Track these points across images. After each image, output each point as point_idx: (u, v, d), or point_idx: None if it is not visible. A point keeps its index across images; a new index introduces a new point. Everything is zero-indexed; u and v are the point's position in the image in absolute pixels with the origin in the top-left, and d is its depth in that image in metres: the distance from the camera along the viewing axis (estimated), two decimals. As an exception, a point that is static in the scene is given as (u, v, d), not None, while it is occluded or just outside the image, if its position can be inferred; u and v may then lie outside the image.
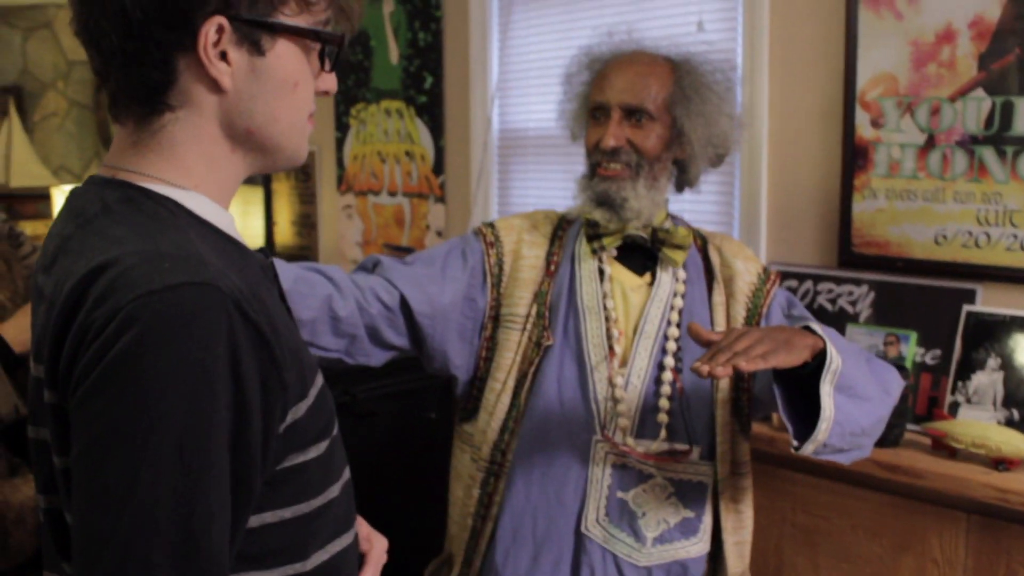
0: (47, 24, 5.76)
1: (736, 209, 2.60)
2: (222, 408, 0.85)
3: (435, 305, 1.71)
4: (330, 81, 1.08)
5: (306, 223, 4.21)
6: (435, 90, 3.49)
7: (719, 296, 1.78)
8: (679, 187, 1.87)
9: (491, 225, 1.84)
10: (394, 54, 3.65)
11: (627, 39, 1.84)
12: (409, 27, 3.56)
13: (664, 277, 1.77)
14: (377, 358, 1.72)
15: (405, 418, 2.18)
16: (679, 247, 1.76)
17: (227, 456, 0.87)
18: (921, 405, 2.25)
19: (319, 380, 1.03)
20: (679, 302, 1.75)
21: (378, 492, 1.67)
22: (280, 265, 1.53)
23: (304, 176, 4.17)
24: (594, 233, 1.76)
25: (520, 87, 3.19)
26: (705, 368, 1.36)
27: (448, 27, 3.42)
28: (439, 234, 3.55)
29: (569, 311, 1.75)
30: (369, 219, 3.86)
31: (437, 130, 3.51)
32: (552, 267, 1.78)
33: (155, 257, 0.87)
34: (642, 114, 1.72)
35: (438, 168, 3.53)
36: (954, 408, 2.16)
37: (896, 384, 1.68)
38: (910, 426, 2.20)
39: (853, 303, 2.38)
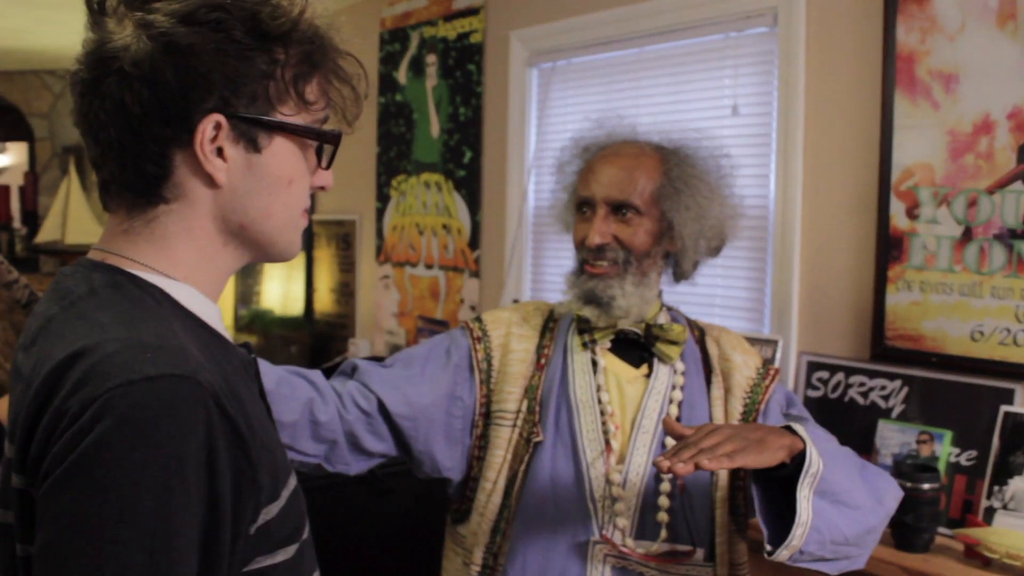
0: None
1: (767, 297, 2.54)
2: (194, 505, 0.83)
3: (415, 406, 1.65)
4: (326, 177, 1.08)
5: (345, 291, 4.22)
6: (473, 164, 3.50)
7: (717, 390, 1.71)
8: (676, 279, 1.80)
9: (478, 319, 1.78)
10: (435, 128, 3.67)
11: (618, 126, 1.78)
12: (451, 101, 3.59)
13: (662, 369, 1.70)
14: (356, 467, 1.66)
15: (423, 494, 2.12)
16: (674, 343, 1.70)
17: (196, 555, 0.84)
18: (955, 508, 2.14)
19: (292, 482, 1.01)
20: (678, 395, 1.68)
21: (393, 567, 1.62)
22: (264, 365, 1.52)
23: (345, 244, 4.20)
24: (586, 327, 1.71)
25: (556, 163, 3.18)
26: (665, 464, 1.30)
27: (488, 103, 3.44)
28: (472, 308, 3.53)
29: (561, 405, 1.68)
30: (406, 291, 3.85)
31: (474, 204, 3.51)
32: (543, 360, 1.72)
33: (136, 346, 0.86)
34: (628, 209, 1.65)
35: (474, 242, 3.52)
36: (989, 514, 2.06)
37: (892, 494, 1.59)
38: (942, 530, 2.09)
39: (885, 398, 2.29)
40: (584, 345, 1.71)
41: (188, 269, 1.00)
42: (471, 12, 3.48)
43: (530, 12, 3.23)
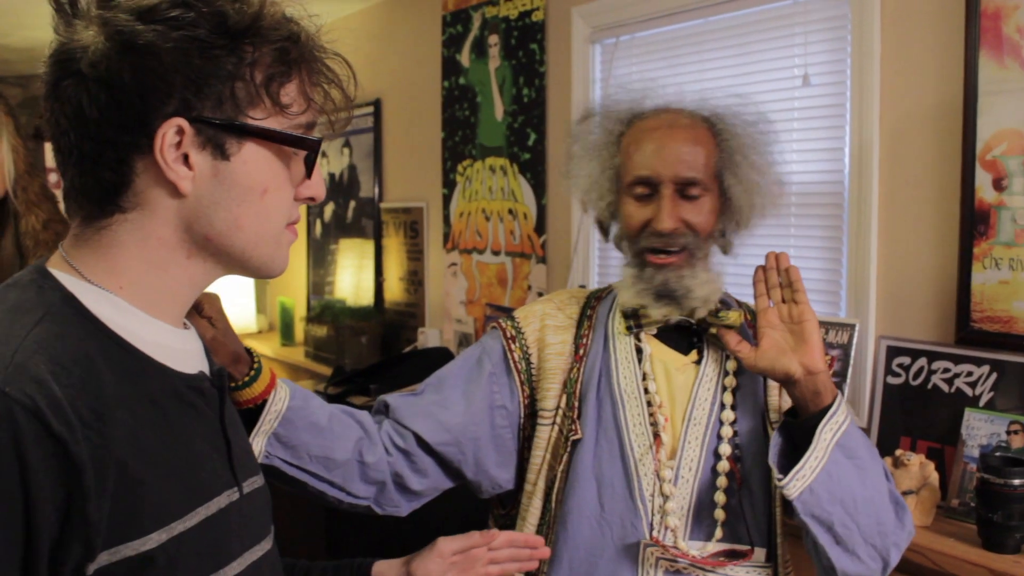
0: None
1: (844, 278, 2.38)
2: None
3: (453, 430, 1.57)
4: (314, 187, 1.00)
5: (414, 280, 4.17)
6: (538, 147, 3.40)
7: None
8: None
9: (510, 318, 1.68)
10: (499, 110, 3.58)
11: (650, 92, 1.65)
12: (514, 82, 3.49)
13: (712, 354, 1.58)
14: (406, 507, 1.59)
15: (462, 500, 2.04)
16: (729, 327, 1.56)
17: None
18: (1051, 506, 1.96)
19: (185, 524, 0.91)
20: (732, 381, 1.56)
21: None
22: (315, 400, 1.48)
23: (413, 232, 4.14)
24: (633, 312, 1.59)
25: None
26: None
27: (551, 82, 3.33)
28: (540, 294, 3.43)
29: (604, 398, 1.57)
30: (473, 278, 3.78)
31: (540, 188, 3.41)
32: (581, 351, 1.60)
33: None
34: (696, 187, 1.53)
35: (540, 227, 3.42)
36: (1089, 511, 1.88)
37: (898, 527, 1.50)
38: (1036, 530, 1.92)
39: (972, 384, 2.12)
40: (628, 329, 1.59)
41: (126, 280, 0.93)
42: (533, -10, 3.38)
43: (592, -13, 3.11)
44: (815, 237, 2.45)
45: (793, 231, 2.50)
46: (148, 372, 0.93)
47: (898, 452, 2.05)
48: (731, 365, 1.57)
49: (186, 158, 0.90)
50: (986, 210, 2.09)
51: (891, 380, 2.26)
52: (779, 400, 1.56)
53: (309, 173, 0.99)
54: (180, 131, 0.89)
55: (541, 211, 3.41)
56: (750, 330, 1.61)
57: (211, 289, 1.10)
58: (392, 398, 1.62)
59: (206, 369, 1.03)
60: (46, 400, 0.80)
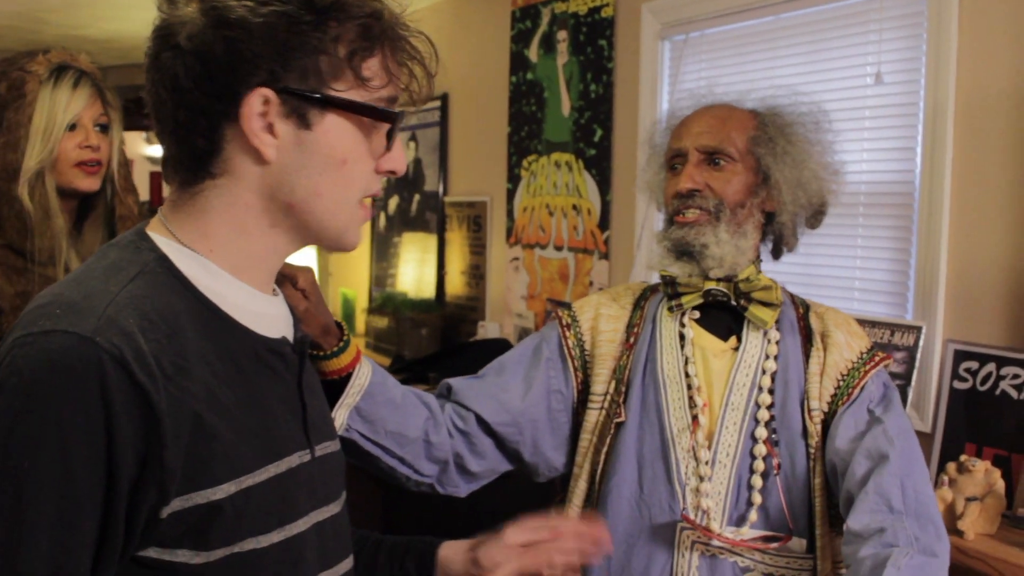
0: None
1: (911, 280, 2.34)
2: (75, 464, 0.83)
3: (513, 411, 1.61)
4: (395, 160, 1.05)
5: (475, 274, 4.19)
6: (604, 143, 3.40)
7: (816, 364, 1.58)
8: (776, 253, 1.69)
9: (568, 307, 1.74)
10: (566, 106, 3.58)
11: (710, 94, 1.72)
12: (581, 78, 3.49)
13: (752, 339, 1.59)
14: (465, 488, 1.63)
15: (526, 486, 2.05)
16: (768, 304, 1.58)
17: (59, 528, 0.84)
18: (1122, 517, 1.91)
19: (255, 479, 0.96)
20: (771, 365, 1.56)
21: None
22: (388, 376, 1.52)
23: (476, 226, 4.17)
24: (673, 292, 1.62)
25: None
26: None
27: (619, 79, 3.33)
28: (601, 291, 3.42)
29: (648, 382, 1.60)
30: (535, 273, 3.79)
31: (604, 184, 3.41)
32: (632, 339, 1.64)
33: (58, 301, 0.89)
34: (721, 156, 1.58)
35: (603, 223, 3.42)
36: None
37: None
38: (1107, 541, 1.87)
39: (1043, 392, 2.07)
40: (670, 310, 1.61)
41: (216, 243, 0.99)
42: (603, -14, 3.38)
43: (663, -17, 3.10)
44: (883, 238, 2.41)
45: (861, 231, 2.46)
46: (231, 332, 0.98)
47: (963, 458, 2.00)
48: (771, 349, 1.58)
49: (271, 127, 0.95)
50: (1063, 213, 2.04)
51: (957, 385, 2.22)
52: (819, 387, 1.55)
53: (390, 146, 1.03)
54: (266, 101, 0.94)
55: (605, 207, 3.41)
56: (799, 322, 1.61)
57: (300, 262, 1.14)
58: (455, 381, 1.66)
59: (290, 335, 1.08)
60: (132, 351, 0.86)
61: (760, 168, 1.59)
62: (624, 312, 1.68)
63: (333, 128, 0.98)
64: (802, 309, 1.66)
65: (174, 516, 0.89)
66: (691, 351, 1.59)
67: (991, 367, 2.16)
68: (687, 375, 1.58)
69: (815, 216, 1.65)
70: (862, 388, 1.55)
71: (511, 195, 3.92)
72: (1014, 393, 2.11)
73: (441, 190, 4.45)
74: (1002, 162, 2.16)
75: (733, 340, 1.61)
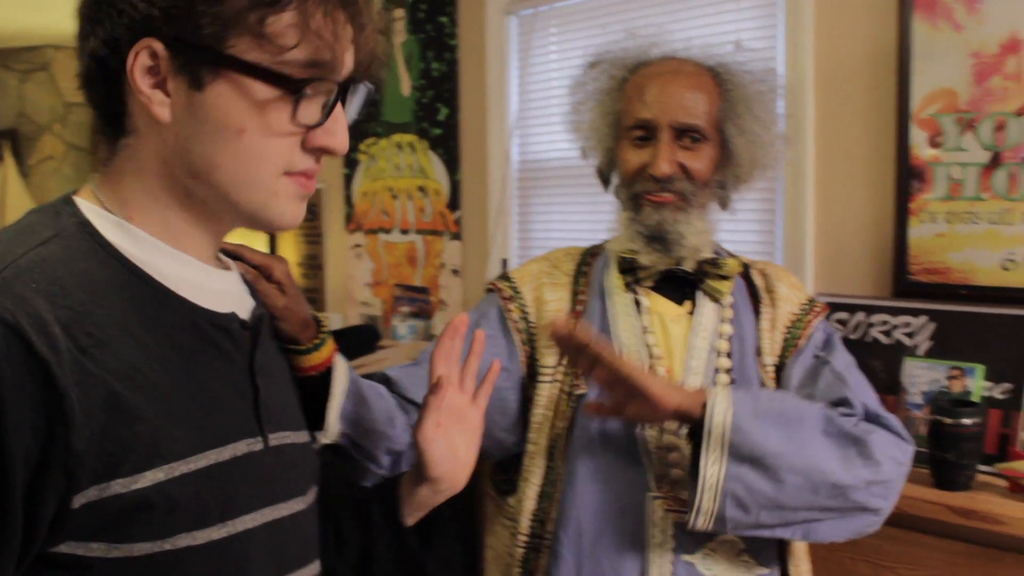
0: (44, 66, 5.64)
1: (779, 237, 2.44)
2: None
3: None
4: (328, 136, 0.89)
5: (312, 264, 4.05)
6: (450, 122, 3.35)
7: (767, 321, 1.59)
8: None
9: (506, 277, 1.65)
10: (406, 86, 3.51)
11: (655, 42, 1.63)
12: (422, 57, 3.43)
13: (707, 304, 1.57)
14: None
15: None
16: (724, 278, 1.57)
17: None
18: (991, 444, 2.06)
19: (189, 466, 0.85)
20: (728, 329, 1.55)
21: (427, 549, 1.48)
22: (352, 372, 1.41)
23: (310, 215, 4.02)
24: (630, 267, 1.57)
25: (541, 116, 3.05)
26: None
27: (463, 56, 3.29)
28: (455, 272, 3.39)
29: None
30: (380, 258, 3.70)
31: (452, 164, 3.36)
32: (579, 307, 1.59)
33: None
34: (695, 134, 1.52)
35: (454, 203, 3.37)
36: (1030, 447, 1.99)
37: (865, 458, 1.42)
38: (981, 467, 2.02)
39: (910, 335, 2.21)
40: (627, 286, 1.58)
41: (136, 212, 0.89)
42: (440, -37, 3.33)
43: (506, -42, 3.09)
44: (749, 199, 2.50)
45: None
46: (164, 304, 0.88)
47: (848, 402, 2.11)
48: (726, 313, 1.57)
49: (164, 84, 0.85)
50: (921, 166, 2.18)
51: (830, 335, 2.33)
52: (770, 342, 1.58)
53: (324, 119, 0.88)
54: (154, 54, 0.84)
55: (455, 187, 3.36)
56: (742, 279, 1.62)
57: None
58: (392, 371, 1.55)
59: (242, 312, 0.97)
60: (28, 318, 0.76)
61: (725, 143, 1.55)
62: (567, 279, 1.62)
63: (227, 91, 0.84)
64: (741, 266, 1.64)
65: (89, 507, 0.78)
66: (648, 319, 1.56)
67: (860, 316, 2.28)
68: (647, 344, 1.54)
69: (755, 177, 1.64)
70: (808, 338, 1.57)
71: (348, 180, 3.81)
72: (884, 339, 2.24)
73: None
74: (861, 121, 2.29)
75: (688, 304, 1.58)
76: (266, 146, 0.87)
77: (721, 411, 1.37)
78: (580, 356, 1.35)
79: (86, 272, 0.82)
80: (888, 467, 1.43)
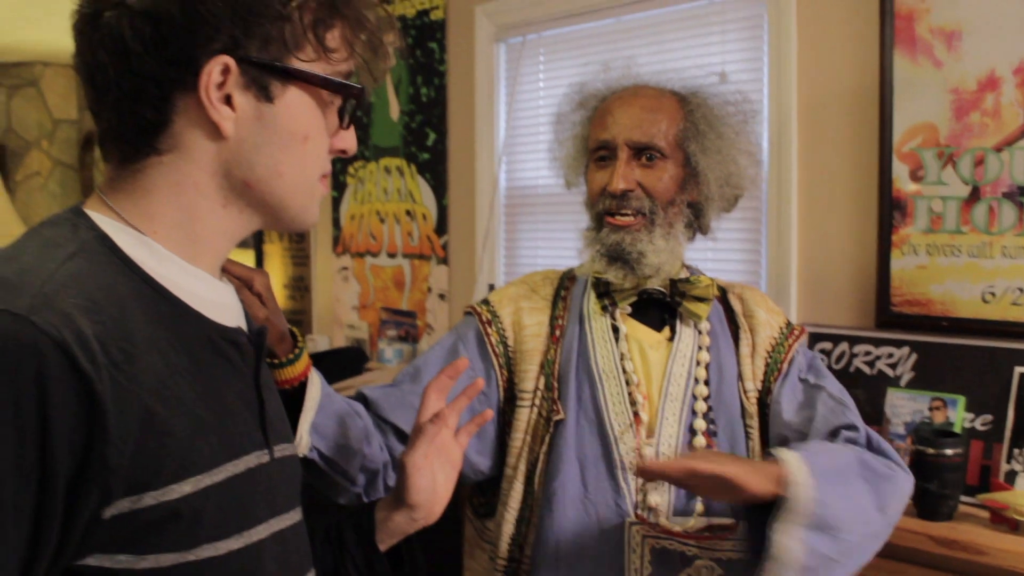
0: (33, 82, 5.64)
1: (763, 267, 2.47)
2: (1, 461, 0.73)
3: None
4: (348, 139, 0.99)
5: (299, 286, 4.06)
6: (438, 147, 3.38)
7: (746, 347, 1.61)
8: (692, 234, 1.68)
9: (485, 302, 1.67)
10: (395, 110, 3.53)
11: (626, 73, 1.68)
12: (411, 82, 3.46)
13: (685, 331, 1.59)
14: None
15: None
16: (701, 300, 1.59)
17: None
18: (972, 475, 2.09)
19: (212, 478, 0.87)
20: (705, 356, 1.58)
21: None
22: (327, 388, 1.43)
23: (298, 237, 4.03)
24: (605, 289, 1.60)
25: (529, 143, 3.08)
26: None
27: (452, 81, 3.32)
28: (442, 296, 3.40)
29: (582, 379, 1.57)
30: (367, 281, 3.71)
31: (440, 188, 3.38)
32: (557, 332, 1.60)
33: None
34: (652, 152, 1.55)
35: (441, 228, 3.39)
36: (1011, 477, 2.01)
37: (898, 498, 1.46)
38: (964, 498, 2.04)
39: (893, 366, 2.24)
40: (604, 309, 1.60)
41: (160, 225, 0.90)
42: (430, -11, 3.36)
43: (495, -14, 3.12)
44: (735, 229, 2.53)
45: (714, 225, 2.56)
46: (183, 318, 0.90)
47: (831, 431, 2.13)
48: (703, 340, 1.59)
49: (229, 99, 0.88)
50: (904, 199, 2.21)
51: (814, 364, 2.36)
52: (751, 367, 1.60)
53: (350, 123, 0.98)
54: (226, 70, 0.87)
55: (442, 212, 3.38)
56: (720, 304, 1.64)
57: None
58: (370, 391, 1.57)
59: (244, 326, 1.00)
60: (73, 335, 0.76)
61: (689, 162, 1.57)
62: (545, 304, 1.64)
63: (296, 102, 0.91)
64: (718, 291, 1.66)
65: (119, 519, 0.79)
66: (626, 346, 1.58)
67: (844, 346, 2.31)
68: (624, 370, 1.56)
69: (732, 201, 1.66)
70: (791, 362, 1.59)
71: (336, 203, 3.82)
72: (867, 369, 2.27)
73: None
74: (844, 155, 2.32)
75: (667, 331, 1.60)
76: (320, 150, 0.95)
77: (806, 487, 1.33)
78: (678, 482, 1.35)
79: (113, 287, 0.83)
80: (901, 508, 1.48)
